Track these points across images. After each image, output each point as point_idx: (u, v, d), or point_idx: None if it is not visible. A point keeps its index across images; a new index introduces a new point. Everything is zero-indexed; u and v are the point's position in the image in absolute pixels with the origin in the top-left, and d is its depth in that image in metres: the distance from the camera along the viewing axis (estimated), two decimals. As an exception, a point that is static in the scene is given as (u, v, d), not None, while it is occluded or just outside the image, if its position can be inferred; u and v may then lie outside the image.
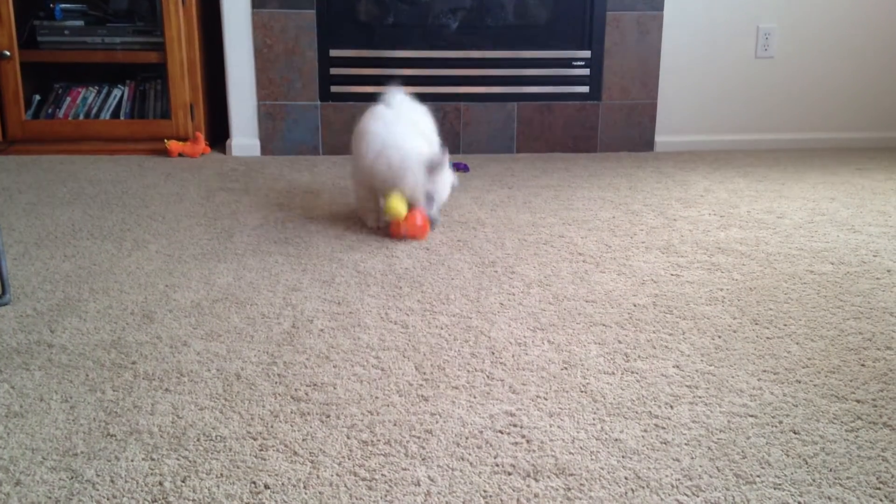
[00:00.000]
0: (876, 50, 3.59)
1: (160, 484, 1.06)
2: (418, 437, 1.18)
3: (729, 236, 2.22)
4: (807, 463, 1.13)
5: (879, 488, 1.07)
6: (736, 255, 2.06)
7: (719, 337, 1.56)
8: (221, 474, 1.09)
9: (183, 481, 1.07)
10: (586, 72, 3.39)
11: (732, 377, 1.39)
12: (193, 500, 1.03)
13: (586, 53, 3.38)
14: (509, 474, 1.10)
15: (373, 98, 3.30)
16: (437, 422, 1.23)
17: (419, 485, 1.07)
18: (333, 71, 3.28)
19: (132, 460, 1.12)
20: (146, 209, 2.44)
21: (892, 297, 1.77)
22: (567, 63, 3.39)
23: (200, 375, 1.37)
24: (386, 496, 1.04)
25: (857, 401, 1.31)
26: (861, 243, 2.16)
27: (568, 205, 2.55)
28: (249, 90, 3.25)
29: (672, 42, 3.44)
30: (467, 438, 1.18)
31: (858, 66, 3.60)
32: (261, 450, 1.15)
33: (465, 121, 3.37)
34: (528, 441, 1.18)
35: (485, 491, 1.06)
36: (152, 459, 1.12)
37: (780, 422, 1.24)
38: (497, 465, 1.12)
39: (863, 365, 1.44)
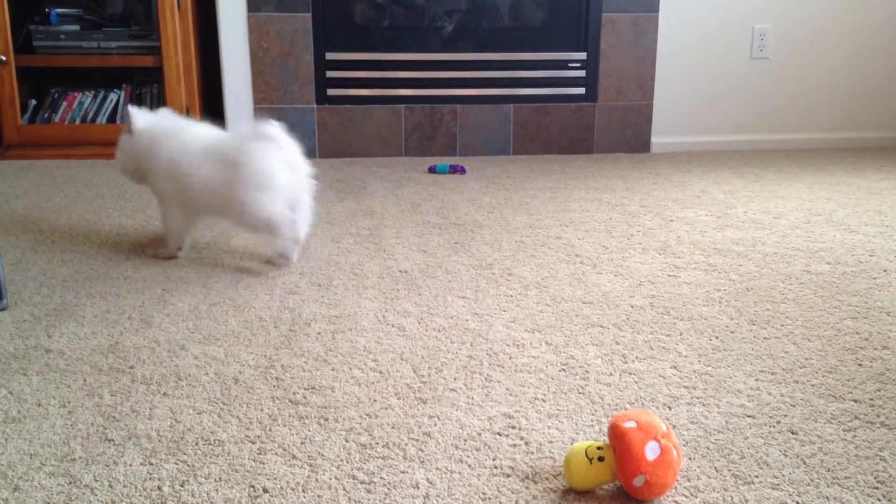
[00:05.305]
0: (871, 50, 3.60)
1: (159, 488, 1.06)
2: (416, 440, 1.18)
3: (725, 237, 2.22)
4: (805, 463, 1.13)
5: (877, 487, 1.07)
6: (733, 255, 2.06)
7: (717, 337, 1.56)
8: (220, 478, 1.09)
9: (182, 485, 1.07)
10: (582, 73, 3.40)
11: (730, 378, 1.39)
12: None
13: (582, 55, 3.38)
14: (508, 476, 1.10)
15: (369, 101, 3.31)
16: (435, 424, 1.23)
17: (418, 487, 1.07)
18: (329, 74, 3.28)
19: (130, 465, 1.12)
20: (143, 213, 2.44)
21: (889, 297, 1.77)
22: (563, 65, 3.39)
23: (198, 379, 1.37)
24: (385, 499, 1.04)
25: (855, 400, 1.31)
26: (857, 243, 2.17)
27: (565, 206, 2.55)
28: (245, 93, 3.25)
29: (667, 43, 3.45)
30: (466, 441, 1.19)
31: (854, 66, 3.61)
32: (259, 453, 1.15)
33: (461, 123, 3.37)
34: (526, 443, 1.18)
35: (483, 493, 1.06)
36: (150, 464, 1.12)
37: (778, 422, 1.24)
38: (496, 468, 1.12)
39: (860, 365, 1.44)
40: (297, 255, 1.98)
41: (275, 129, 1.88)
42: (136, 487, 1.06)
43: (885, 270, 1.95)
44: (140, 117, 2.01)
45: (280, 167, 1.87)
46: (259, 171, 1.85)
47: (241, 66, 3.23)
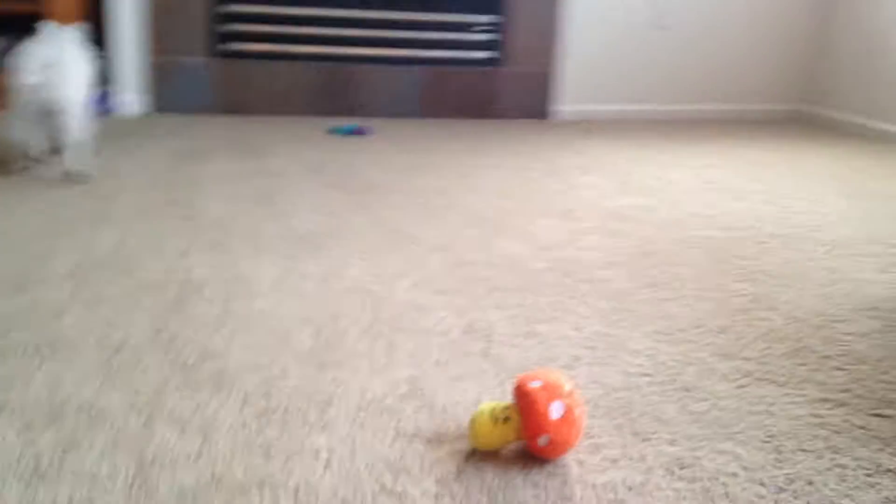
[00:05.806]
0: (770, 24, 3.73)
1: (37, 460, 0.98)
2: (317, 406, 1.15)
3: (625, 203, 2.27)
4: (699, 419, 1.16)
5: (768, 441, 1.12)
6: (631, 221, 2.10)
7: (616, 300, 1.59)
8: (104, 449, 1.02)
9: (62, 457, 0.99)
10: (490, 37, 3.38)
11: (629, 338, 1.42)
12: (75, 476, 0.96)
13: (490, 18, 3.36)
14: (412, 441, 1.08)
15: (270, 56, 3.18)
16: (336, 388, 1.20)
17: (319, 453, 1.04)
18: (226, 27, 3.13)
19: (4, 437, 1.03)
20: (18, 168, 2.26)
21: (776, 261, 1.85)
22: (470, 28, 3.36)
23: (80, 346, 1.28)
24: (284, 466, 1.01)
25: (745, 359, 1.36)
26: (747, 210, 2.26)
27: (470, 171, 2.54)
28: (134, 44, 3.06)
29: (573, 11, 3.47)
30: (369, 405, 1.16)
31: (753, 40, 3.73)
32: (147, 422, 1.08)
33: (366, 83, 3.29)
34: (430, 407, 1.16)
35: (387, 458, 1.04)
36: (27, 436, 1.04)
37: (674, 380, 1.27)
38: (399, 432, 1.10)
39: (749, 325, 1.50)
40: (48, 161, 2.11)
41: (53, 36, 2.09)
42: (11, 460, 0.98)
43: (771, 235, 2.03)
44: (47, 32, 2.17)
45: (30, 70, 1.99)
46: (16, 69, 2.01)
47: (129, 16, 3.03)
